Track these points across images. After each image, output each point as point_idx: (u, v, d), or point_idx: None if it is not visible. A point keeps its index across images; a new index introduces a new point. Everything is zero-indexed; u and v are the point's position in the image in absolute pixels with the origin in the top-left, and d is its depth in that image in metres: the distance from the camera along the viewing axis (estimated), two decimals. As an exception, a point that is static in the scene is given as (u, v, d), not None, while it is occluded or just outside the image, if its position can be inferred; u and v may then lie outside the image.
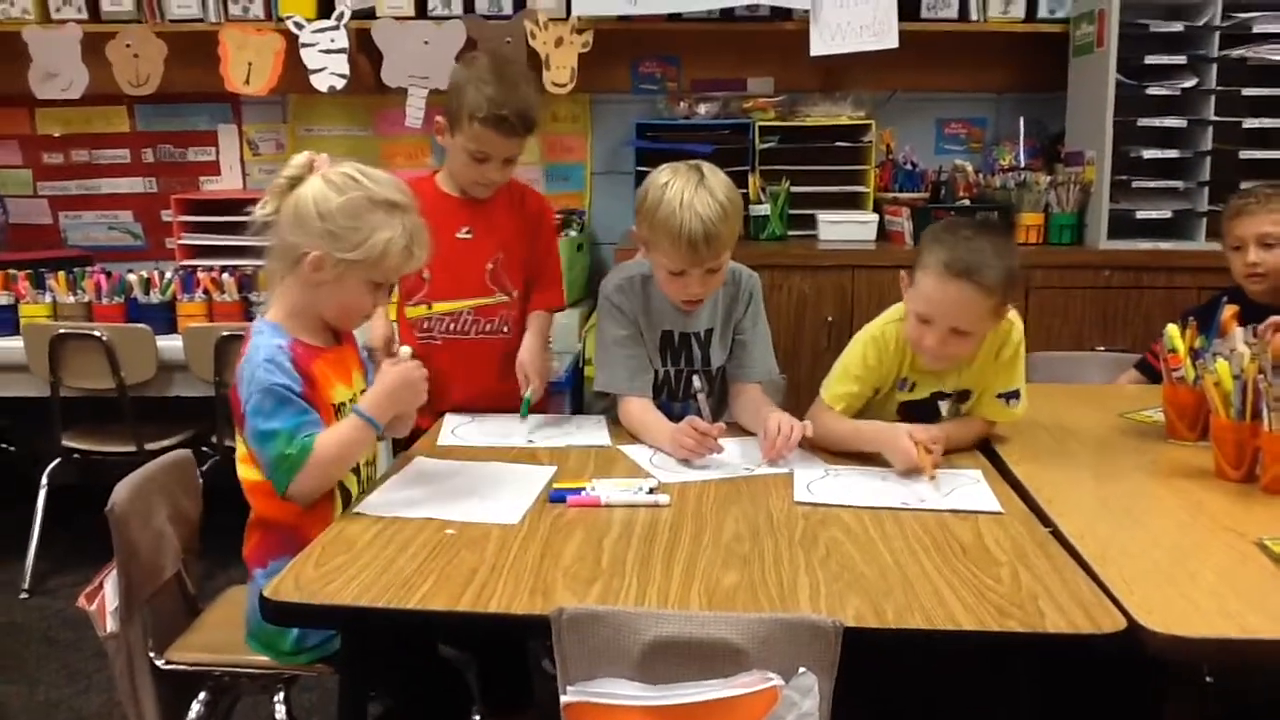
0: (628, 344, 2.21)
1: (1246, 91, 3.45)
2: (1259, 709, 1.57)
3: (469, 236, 2.35)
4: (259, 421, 1.71)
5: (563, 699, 1.30)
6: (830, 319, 3.44)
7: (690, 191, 2.02)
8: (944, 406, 2.13)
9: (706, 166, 2.10)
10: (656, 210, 2.05)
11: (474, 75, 2.25)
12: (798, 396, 2.46)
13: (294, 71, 3.66)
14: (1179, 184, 3.55)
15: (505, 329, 2.40)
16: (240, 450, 1.82)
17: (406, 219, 1.78)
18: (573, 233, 3.65)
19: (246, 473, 1.82)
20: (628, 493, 1.79)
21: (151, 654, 1.83)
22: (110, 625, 1.80)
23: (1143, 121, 3.48)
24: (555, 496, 1.76)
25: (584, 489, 1.80)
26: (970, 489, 1.87)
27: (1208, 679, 1.39)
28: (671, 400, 2.28)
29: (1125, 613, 1.36)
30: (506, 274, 2.39)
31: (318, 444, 1.71)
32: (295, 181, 1.78)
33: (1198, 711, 1.40)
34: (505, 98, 2.21)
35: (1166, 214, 3.54)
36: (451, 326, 2.36)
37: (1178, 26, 3.44)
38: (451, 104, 2.28)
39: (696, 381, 2.15)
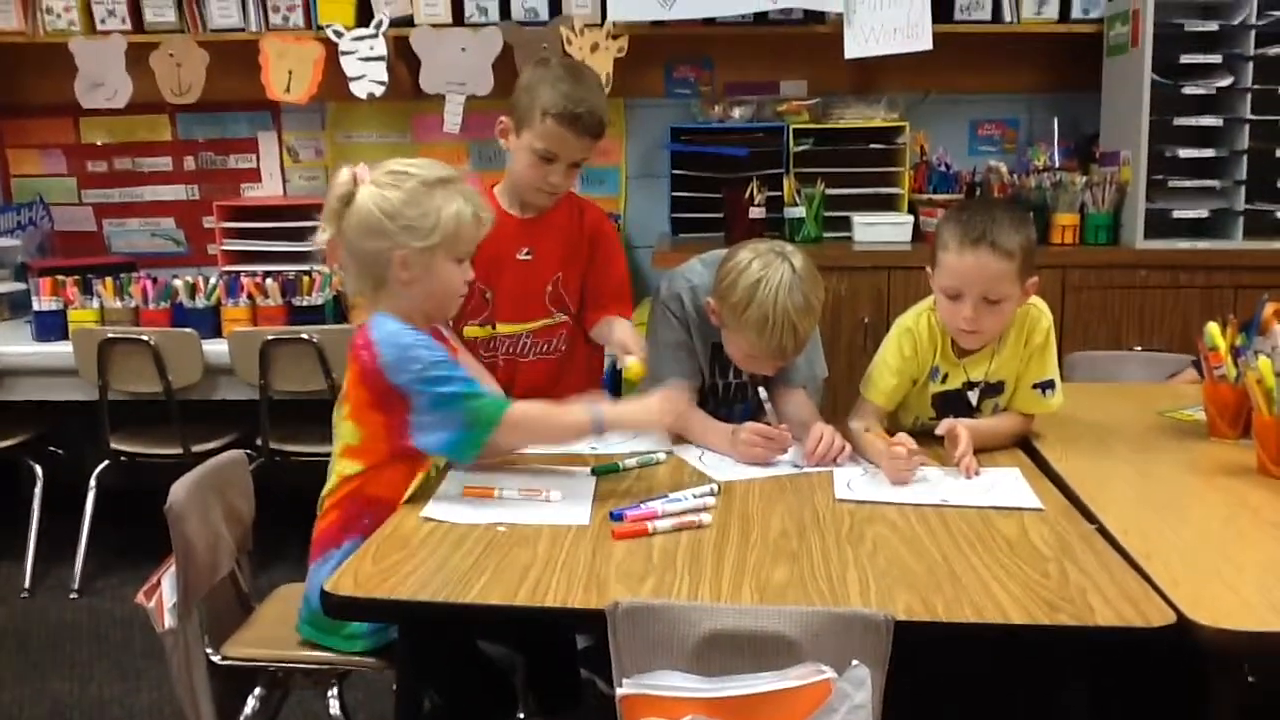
0: (680, 350, 2.23)
1: (1283, 89, 3.43)
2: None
3: (529, 258, 2.32)
4: (442, 388, 1.77)
5: (618, 691, 1.33)
6: (866, 320, 3.46)
7: (783, 294, 1.99)
8: (973, 396, 2.14)
9: (791, 251, 2.07)
10: (746, 309, 2.00)
11: (549, 74, 2.22)
12: (835, 397, 2.49)
13: (333, 79, 3.71)
14: (1215, 183, 3.53)
15: (562, 348, 2.38)
16: (349, 442, 1.85)
17: (461, 188, 1.85)
18: (608, 236, 3.68)
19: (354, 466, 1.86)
20: (679, 501, 1.78)
21: (208, 650, 1.87)
22: (168, 621, 1.84)
23: (1179, 121, 3.47)
24: (615, 515, 1.72)
25: (640, 505, 1.76)
26: (1009, 486, 1.88)
27: (1249, 679, 1.40)
28: (718, 408, 2.30)
29: (1173, 607, 1.37)
30: (565, 293, 2.37)
31: (514, 408, 1.83)
32: (347, 199, 1.82)
33: (1241, 710, 1.41)
34: (581, 95, 2.18)
35: (1203, 213, 3.53)
36: (513, 349, 2.35)
37: (1213, 25, 3.43)
38: (521, 101, 2.22)
39: (762, 392, 2.15)
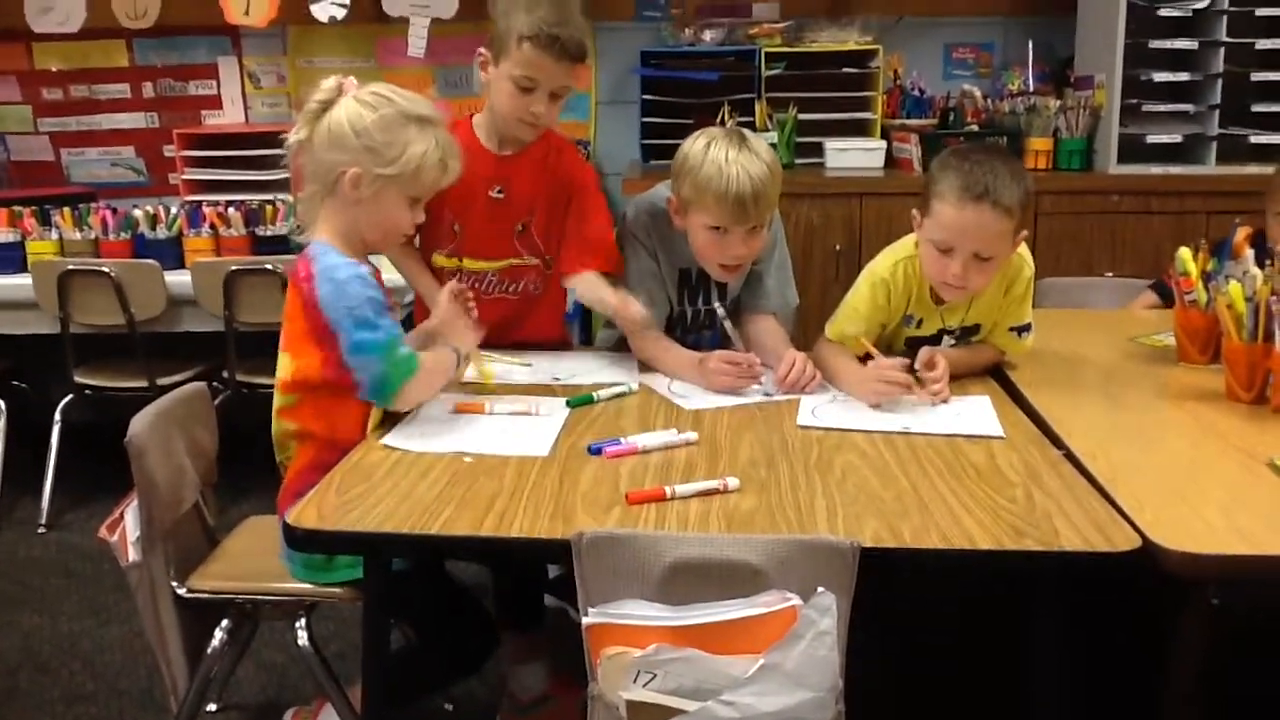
0: (646, 277, 2.20)
1: (1260, 11, 3.40)
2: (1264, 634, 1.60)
3: (500, 197, 2.26)
4: (364, 333, 1.75)
5: (584, 620, 1.32)
6: (838, 247, 3.44)
7: (734, 152, 2.01)
8: (946, 341, 2.13)
9: (745, 131, 2.09)
10: (700, 169, 2.02)
11: None
12: (805, 326, 2.47)
13: (294, 2, 3.62)
14: (1190, 107, 3.51)
15: (532, 289, 2.32)
16: (286, 375, 1.83)
17: (439, 133, 1.83)
18: (578, 163, 3.62)
19: (283, 400, 1.85)
20: (659, 436, 1.75)
21: (174, 583, 1.86)
22: (132, 555, 1.83)
23: (1154, 44, 3.44)
24: (594, 449, 1.70)
25: (620, 440, 1.73)
26: (975, 413, 1.88)
27: (1214, 601, 1.41)
28: (685, 335, 2.28)
29: (1139, 531, 1.37)
30: (537, 236, 2.30)
31: (423, 363, 1.82)
32: (327, 105, 1.81)
33: (1205, 633, 1.42)
34: (558, 18, 2.09)
35: (1177, 138, 3.52)
36: (477, 284, 2.31)
37: (1191, -54, 3.39)
38: (498, 28, 2.14)
39: (720, 310, 2.13)
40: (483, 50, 2.20)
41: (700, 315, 2.29)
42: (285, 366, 1.84)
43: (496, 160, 2.25)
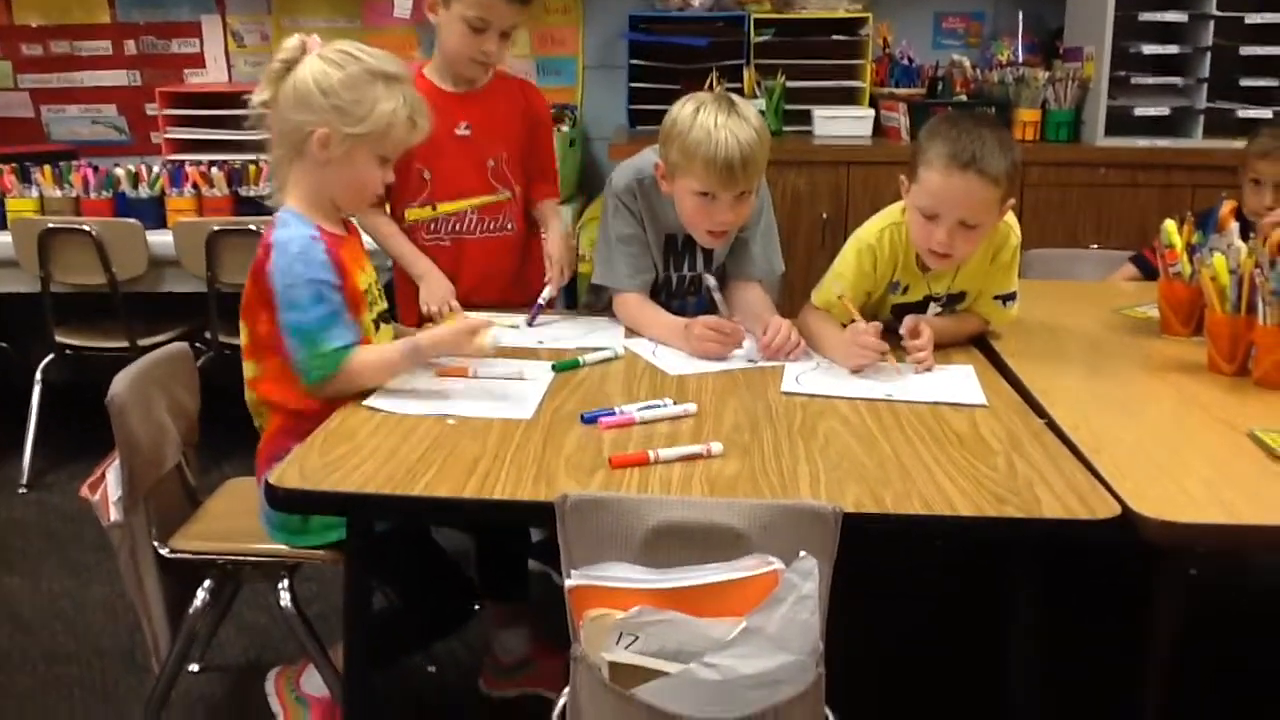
0: (632, 242, 2.20)
1: (1250, -16, 3.40)
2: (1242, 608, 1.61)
3: (468, 133, 2.29)
4: (294, 315, 1.73)
5: (567, 583, 1.32)
6: (825, 216, 3.43)
7: (723, 117, 1.99)
8: (933, 308, 2.13)
9: (734, 96, 2.08)
10: (688, 134, 2.00)
11: None
12: (791, 294, 2.47)
13: (279, -40, 3.57)
14: (1178, 80, 3.51)
15: (509, 226, 2.37)
16: (245, 340, 1.82)
17: (406, 90, 1.80)
18: (565, 128, 3.60)
19: (249, 370, 1.85)
20: (657, 409, 1.72)
21: (155, 543, 1.85)
22: (114, 515, 1.82)
23: (1144, 16, 3.43)
24: (588, 418, 1.68)
25: (615, 410, 1.71)
26: (958, 382, 1.88)
27: (1191, 571, 1.42)
28: (671, 300, 2.28)
29: (1119, 500, 1.38)
30: (509, 170, 2.35)
31: (356, 356, 1.74)
32: (290, 65, 1.77)
33: (1181, 604, 1.43)
34: None
35: (1165, 111, 3.51)
36: (457, 226, 2.32)
37: (1183, -83, 3.38)
38: None
39: (710, 279, 2.14)
40: None
41: (686, 281, 2.29)
42: (242, 332, 1.83)
43: (457, 99, 2.30)
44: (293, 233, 1.76)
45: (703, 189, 2.03)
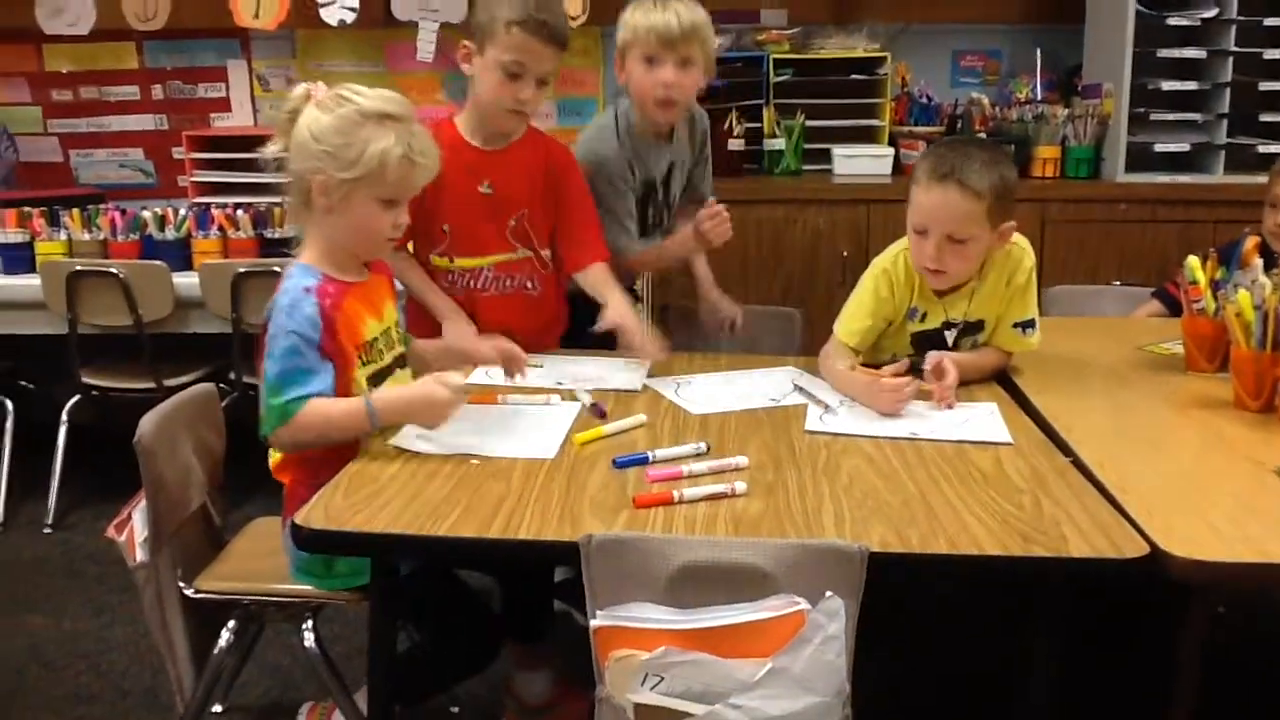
0: (626, 217, 2.42)
1: (1268, 21, 3.40)
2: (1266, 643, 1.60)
3: (490, 192, 2.27)
4: (268, 364, 1.73)
5: (592, 623, 1.32)
6: (845, 254, 3.44)
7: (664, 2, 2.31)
8: (950, 336, 2.13)
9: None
10: (633, 12, 2.32)
11: None
12: (812, 332, 2.47)
13: (303, 5, 3.62)
14: (1198, 116, 3.51)
15: (529, 285, 2.34)
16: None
17: (401, 128, 1.74)
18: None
19: None
20: (697, 458, 1.69)
21: (180, 583, 1.86)
22: (139, 555, 1.83)
23: (1162, 53, 3.44)
24: (620, 463, 1.65)
25: (648, 455, 1.68)
26: (982, 420, 1.88)
27: (1220, 609, 1.41)
28: (640, 237, 2.50)
29: (1147, 538, 1.37)
30: (531, 230, 2.32)
31: (308, 408, 1.70)
32: (295, 113, 1.77)
33: (1209, 641, 1.42)
34: (541, 3, 2.15)
35: (1185, 147, 3.52)
36: (472, 283, 2.31)
37: (1199, -45, 3.39)
38: (480, 20, 2.18)
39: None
40: (465, 43, 2.23)
41: (650, 219, 2.55)
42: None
43: (483, 155, 2.28)
44: (289, 284, 1.76)
45: (648, 54, 2.30)
